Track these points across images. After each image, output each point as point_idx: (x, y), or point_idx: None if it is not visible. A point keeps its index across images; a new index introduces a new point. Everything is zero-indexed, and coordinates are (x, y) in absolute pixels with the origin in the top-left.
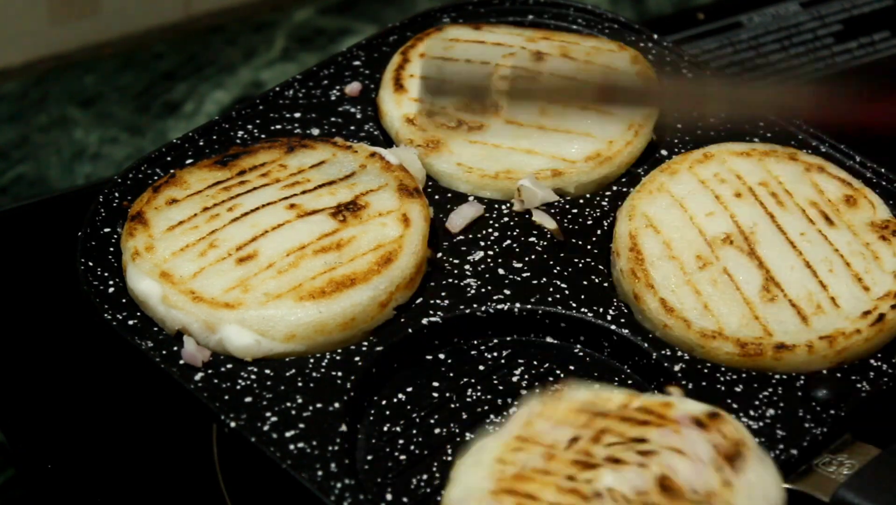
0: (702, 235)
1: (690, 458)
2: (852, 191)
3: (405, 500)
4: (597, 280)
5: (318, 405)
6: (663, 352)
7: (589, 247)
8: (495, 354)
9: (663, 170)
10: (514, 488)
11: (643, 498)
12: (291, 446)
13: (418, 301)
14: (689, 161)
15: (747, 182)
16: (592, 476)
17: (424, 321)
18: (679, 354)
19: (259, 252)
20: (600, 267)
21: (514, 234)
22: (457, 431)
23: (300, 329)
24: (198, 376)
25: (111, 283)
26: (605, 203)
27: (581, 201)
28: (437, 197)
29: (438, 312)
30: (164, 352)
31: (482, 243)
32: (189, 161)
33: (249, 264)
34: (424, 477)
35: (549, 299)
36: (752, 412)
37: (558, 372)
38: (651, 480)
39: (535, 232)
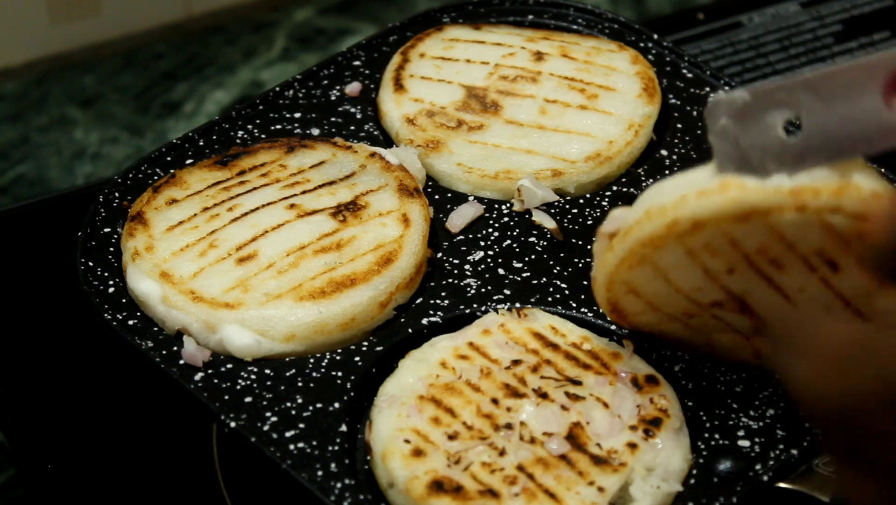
0: (689, 301)
1: (612, 413)
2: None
3: None
4: None
5: (318, 405)
6: (663, 352)
7: (589, 247)
8: None
9: (644, 243)
10: (441, 399)
11: (546, 440)
12: (291, 446)
13: (418, 301)
14: (675, 233)
15: (743, 248)
16: (514, 404)
17: (424, 321)
18: (679, 353)
19: (259, 252)
20: None
21: (514, 234)
22: None
23: (300, 329)
24: (198, 376)
25: (111, 283)
26: (605, 203)
27: (581, 201)
28: (437, 197)
29: (438, 312)
30: (164, 352)
31: (482, 243)
32: (189, 161)
33: (249, 264)
34: None
35: (549, 299)
36: (752, 412)
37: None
38: (564, 425)
39: (535, 232)
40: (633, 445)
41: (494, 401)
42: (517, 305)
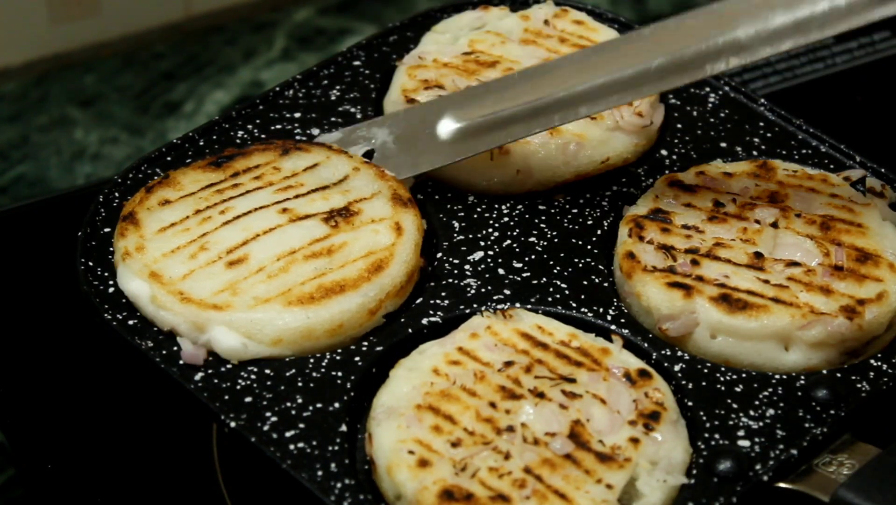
0: None
1: (610, 409)
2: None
3: None
4: (597, 280)
5: (318, 405)
6: (663, 352)
7: (589, 247)
8: None
9: None
10: (438, 406)
11: (549, 440)
12: (291, 446)
13: (418, 301)
14: None
15: None
16: (513, 406)
17: (424, 321)
18: (679, 353)
19: (250, 256)
20: (600, 267)
21: (514, 234)
22: None
23: (287, 334)
24: (198, 376)
25: (111, 283)
26: (605, 203)
27: (581, 201)
28: (436, 197)
29: (438, 312)
30: (163, 352)
31: (482, 243)
32: (189, 161)
33: (239, 268)
34: None
35: (549, 299)
36: (752, 412)
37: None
38: (565, 424)
39: (535, 232)
40: (635, 440)
41: (492, 404)
42: (500, 306)
